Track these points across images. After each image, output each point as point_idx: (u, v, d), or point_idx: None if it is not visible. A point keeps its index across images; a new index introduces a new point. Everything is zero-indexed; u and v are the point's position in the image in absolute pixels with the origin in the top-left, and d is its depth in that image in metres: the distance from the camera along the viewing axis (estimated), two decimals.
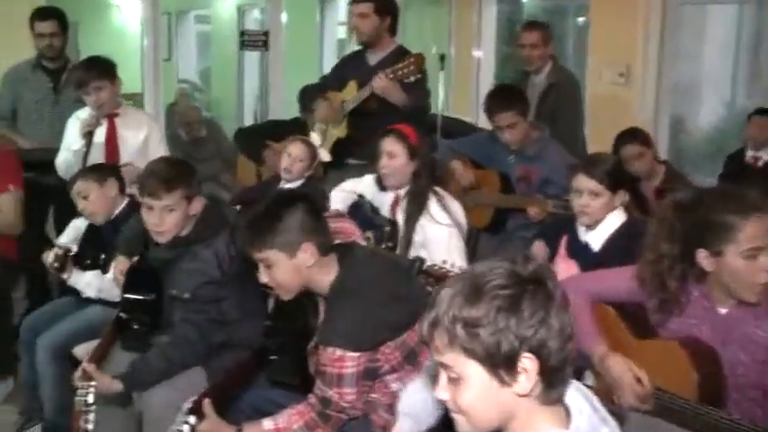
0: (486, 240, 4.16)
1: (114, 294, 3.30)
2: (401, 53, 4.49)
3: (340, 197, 3.84)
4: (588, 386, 2.10)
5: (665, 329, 2.49)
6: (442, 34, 7.03)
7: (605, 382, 2.46)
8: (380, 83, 4.15)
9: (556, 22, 7.88)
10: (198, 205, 2.93)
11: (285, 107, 6.48)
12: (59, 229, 4.90)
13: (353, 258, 2.51)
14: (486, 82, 6.91)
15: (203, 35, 11.12)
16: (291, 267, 2.43)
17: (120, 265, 3.17)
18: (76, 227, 3.75)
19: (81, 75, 4.08)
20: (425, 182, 3.51)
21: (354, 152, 4.54)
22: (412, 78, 4.15)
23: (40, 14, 4.75)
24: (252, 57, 9.43)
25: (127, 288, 2.97)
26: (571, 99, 4.89)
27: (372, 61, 4.53)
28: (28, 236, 4.15)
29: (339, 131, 4.53)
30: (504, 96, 4.16)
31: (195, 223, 2.94)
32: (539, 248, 3.59)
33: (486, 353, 1.45)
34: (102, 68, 4.09)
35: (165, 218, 2.86)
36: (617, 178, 3.20)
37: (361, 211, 3.83)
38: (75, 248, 3.44)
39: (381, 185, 3.65)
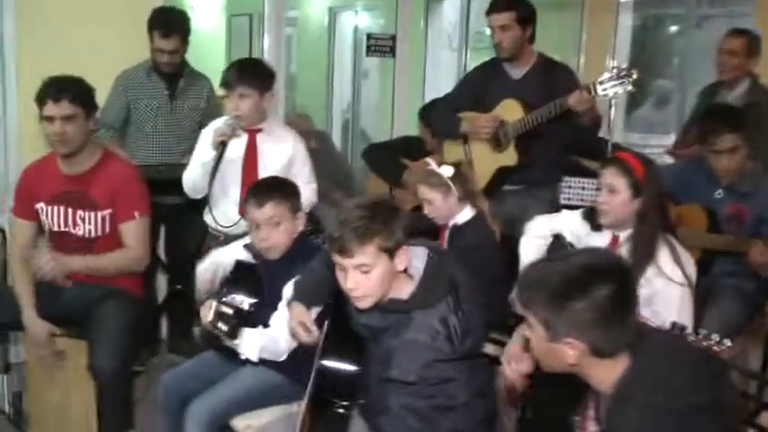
0: None
1: (279, 353, 2.70)
2: (548, 64, 4.02)
3: (533, 246, 3.20)
4: None
5: None
6: (569, 42, 6.38)
7: None
8: (585, 102, 3.53)
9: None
10: (404, 259, 2.26)
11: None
12: (170, 252, 4.39)
13: (648, 349, 1.87)
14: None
15: (287, 38, 10.54)
16: (546, 348, 1.89)
17: (297, 314, 2.56)
18: (219, 261, 3.13)
19: (230, 76, 3.44)
20: (654, 226, 2.88)
21: (510, 177, 3.96)
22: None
23: (163, 30, 4.11)
24: (342, 62, 8.85)
25: (324, 355, 2.34)
26: None
27: (516, 75, 4.01)
28: None
29: (504, 158, 3.91)
30: (727, 117, 3.56)
31: (419, 283, 2.29)
32: None
33: None
34: (255, 75, 3.46)
35: (361, 280, 2.22)
36: None
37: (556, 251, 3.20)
38: (247, 306, 2.68)
39: (594, 224, 3.02)
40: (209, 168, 3.43)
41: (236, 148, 3.49)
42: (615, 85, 3.45)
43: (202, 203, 3.65)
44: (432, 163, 3.35)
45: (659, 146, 9.16)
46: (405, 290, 2.28)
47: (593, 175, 4.99)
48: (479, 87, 4.09)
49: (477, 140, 3.98)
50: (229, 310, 2.56)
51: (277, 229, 2.88)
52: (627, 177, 2.87)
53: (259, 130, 3.54)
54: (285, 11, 5.02)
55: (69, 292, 3.33)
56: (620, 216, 2.91)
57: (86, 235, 3.34)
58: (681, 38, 9.53)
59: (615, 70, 3.44)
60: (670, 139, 9.26)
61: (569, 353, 1.84)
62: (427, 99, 7.21)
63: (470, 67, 7.29)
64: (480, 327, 2.29)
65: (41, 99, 3.21)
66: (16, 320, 3.29)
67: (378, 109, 8.49)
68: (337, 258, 2.23)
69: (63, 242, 3.37)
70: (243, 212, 3.36)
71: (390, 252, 2.22)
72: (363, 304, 2.27)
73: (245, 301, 2.67)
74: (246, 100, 3.42)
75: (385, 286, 2.26)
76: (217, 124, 3.53)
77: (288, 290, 2.69)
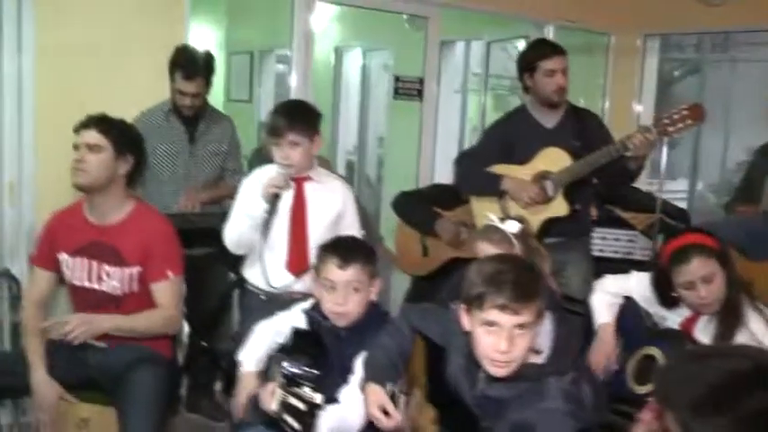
0: None
1: (349, 427, 2.42)
2: (577, 110, 3.92)
3: (605, 305, 3.01)
4: None
5: None
6: (594, 86, 6.20)
7: None
8: (650, 144, 3.46)
9: None
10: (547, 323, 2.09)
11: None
12: (192, 305, 4.08)
13: None
14: None
15: (282, 77, 10.33)
16: None
17: (374, 398, 2.29)
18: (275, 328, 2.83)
19: (279, 122, 3.14)
20: (738, 290, 2.71)
21: (550, 229, 3.75)
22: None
23: (186, 71, 3.92)
24: (348, 103, 8.65)
25: None
26: None
27: (549, 123, 3.86)
28: None
29: (553, 209, 3.71)
30: None
31: (553, 347, 2.10)
32: None
33: None
34: (307, 121, 3.17)
35: (518, 341, 2.01)
36: None
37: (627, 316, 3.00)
38: (320, 400, 2.32)
39: (665, 302, 2.85)
40: (259, 222, 3.14)
41: (283, 198, 3.19)
42: (680, 125, 3.41)
43: (232, 255, 3.38)
44: (493, 218, 3.10)
45: (668, 191, 9.06)
46: (539, 355, 2.09)
47: (626, 225, 4.85)
48: (509, 139, 3.89)
49: None
50: (302, 406, 2.25)
51: (355, 295, 2.62)
52: (713, 258, 2.69)
53: (307, 178, 3.24)
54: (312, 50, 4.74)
55: (96, 354, 3.03)
56: (722, 297, 2.70)
57: (112, 292, 3.05)
58: (690, 81, 9.50)
59: (686, 111, 3.40)
60: (680, 184, 9.18)
61: None
62: (440, 142, 7.01)
63: (490, 111, 7.05)
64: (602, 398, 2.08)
65: (77, 129, 3.03)
66: (24, 383, 2.95)
67: (385, 150, 8.28)
68: (496, 315, 2.00)
69: (85, 298, 3.08)
70: (295, 270, 3.10)
71: (540, 315, 2.06)
72: (504, 372, 2.04)
73: (317, 396, 2.31)
74: (298, 148, 3.12)
75: (527, 354, 2.05)
76: (263, 173, 3.24)
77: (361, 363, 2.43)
